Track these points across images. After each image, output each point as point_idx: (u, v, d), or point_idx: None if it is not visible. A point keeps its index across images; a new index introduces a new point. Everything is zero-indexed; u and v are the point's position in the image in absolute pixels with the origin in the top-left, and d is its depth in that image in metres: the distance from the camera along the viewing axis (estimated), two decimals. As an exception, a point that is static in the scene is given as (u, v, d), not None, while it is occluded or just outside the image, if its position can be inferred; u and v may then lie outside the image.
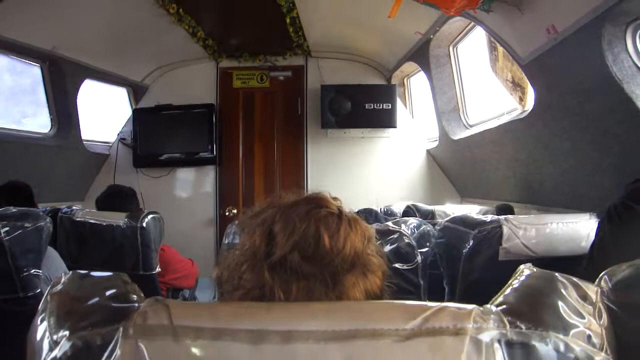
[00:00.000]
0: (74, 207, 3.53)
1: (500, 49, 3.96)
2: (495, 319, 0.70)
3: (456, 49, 5.08)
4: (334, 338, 0.68)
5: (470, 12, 3.42)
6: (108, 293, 0.82)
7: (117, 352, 0.70)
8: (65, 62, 4.91)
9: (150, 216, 3.29)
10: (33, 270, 2.51)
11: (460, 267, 2.44)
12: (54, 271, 2.86)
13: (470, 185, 5.59)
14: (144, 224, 3.24)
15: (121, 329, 0.72)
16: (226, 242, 2.49)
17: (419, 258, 2.12)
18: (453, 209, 4.06)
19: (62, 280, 0.88)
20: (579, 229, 2.46)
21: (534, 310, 0.74)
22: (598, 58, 2.64)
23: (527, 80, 3.64)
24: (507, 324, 0.70)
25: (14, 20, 3.92)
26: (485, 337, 0.68)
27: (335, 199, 1.08)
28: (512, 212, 3.71)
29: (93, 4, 4.31)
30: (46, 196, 4.65)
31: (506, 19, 3.31)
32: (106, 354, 0.71)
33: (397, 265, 2.02)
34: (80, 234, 3.33)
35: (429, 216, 3.84)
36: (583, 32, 2.69)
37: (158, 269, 3.36)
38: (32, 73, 4.96)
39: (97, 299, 0.81)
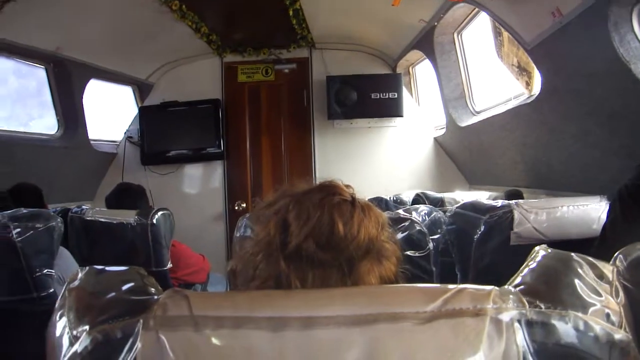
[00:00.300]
0: (83, 207, 3.55)
1: (505, 34, 3.95)
2: (514, 299, 0.70)
3: (461, 35, 5.06)
4: (355, 322, 0.68)
5: (474, -3, 3.41)
6: (126, 287, 0.82)
7: (138, 344, 0.70)
8: (69, 63, 4.92)
9: (160, 213, 3.30)
10: (46, 270, 2.53)
11: (472, 253, 2.44)
12: (67, 271, 2.87)
13: (478, 172, 5.57)
14: (154, 221, 3.25)
15: (141, 321, 0.72)
16: (238, 235, 2.49)
17: (430, 245, 2.12)
18: (462, 196, 4.06)
19: (79, 276, 0.88)
20: (590, 211, 2.45)
21: (551, 290, 0.74)
22: (604, 40, 2.63)
23: (533, 65, 3.62)
24: (526, 303, 0.70)
25: (17, 23, 3.93)
26: (505, 317, 0.68)
27: (347, 186, 1.08)
28: (521, 197, 3.70)
29: (95, 4, 4.31)
30: (56, 197, 4.66)
31: (510, 4, 3.30)
32: (127, 346, 0.71)
33: (409, 252, 2.02)
34: (91, 233, 3.35)
35: (438, 204, 3.84)
36: (588, 14, 2.68)
37: (170, 265, 3.37)
38: (37, 75, 4.97)
39: (115, 292, 0.81)
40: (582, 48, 2.91)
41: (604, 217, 2.33)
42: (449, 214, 2.66)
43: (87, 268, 0.90)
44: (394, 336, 0.66)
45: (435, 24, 4.82)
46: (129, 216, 3.28)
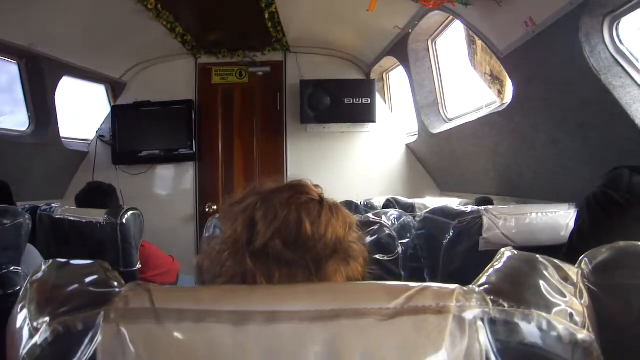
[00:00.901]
0: (53, 205, 3.51)
1: (479, 42, 3.99)
2: (477, 297, 0.70)
3: (435, 43, 5.10)
4: (318, 318, 0.67)
5: (448, 5, 3.43)
6: (88, 279, 0.81)
7: (99, 336, 0.70)
8: (43, 60, 4.86)
9: (130, 212, 3.28)
10: (12, 268, 2.48)
11: (441, 258, 2.45)
12: (34, 268, 2.83)
13: (449, 179, 5.62)
14: (124, 221, 3.23)
15: (102, 313, 0.71)
16: (207, 235, 2.49)
17: (399, 249, 2.13)
18: (433, 202, 4.08)
19: (42, 268, 0.87)
20: (559, 218, 2.48)
21: (516, 290, 0.74)
22: (576, 50, 2.67)
23: (505, 74, 3.66)
24: (489, 302, 0.70)
25: (-10, 17, 3.87)
26: (468, 315, 0.68)
27: (316, 186, 1.08)
28: (491, 204, 3.73)
29: (71, 0, 4.26)
30: (25, 194, 4.61)
31: (484, 13, 3.33)
32: (87, 338, 0.70)
33: (377, 256, 2.02)
34: (59, 232, 3.31)
35: (409, 209, 3.85)
36: (560, 24, 2.72)
37: (139, 266, 3.35)
38: (9, 70, 4.91)
39: (77, 285, 0.80)
40: (553, 58, 2.94)
41: (572, 224, 2.35)
42: (419, 219, 2.67)
43: (51, 261, 0.90)
44: (356, 332, 0.66)
45: (410, 31, 4.86)
46: (98, 215, 3.25)
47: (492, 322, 0.69)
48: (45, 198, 5.05)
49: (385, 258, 2.07)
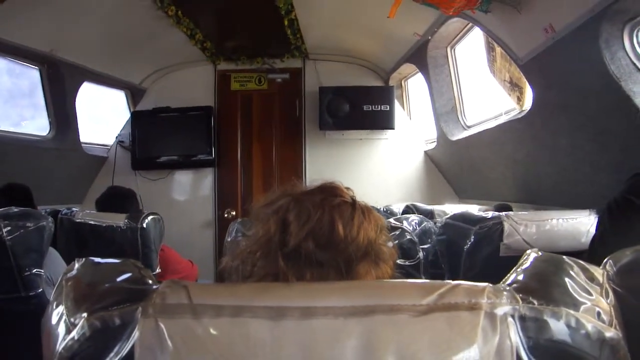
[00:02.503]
0: (73, 209, 3.54)
1: (498, 49, 3.98)
2: (507, 295, 0.71)
3: (454, 50, 5.09)
4: (353, 313, 0.68)
5: (468, 12, 3.44)
6: (123, 277, 0.83)
7: (136, 332, 0.70)
8: (63, 65, 4.91)
9: (150, 217, 3.30)
10: (35, 270, 2.52)
11: (462, 263, 2.45)
12: (56, 271, 2.87)
13: (468, 186, 5.60)
14: (144, 225, 3.24)
15: (140, 308, 0.72)
16: (229, 239, 2.50)
17: (420, 254, 2.13)
18: (452, 209, 4.07)
19: (75, 266, 0.88)
20: (579, 225, 2.48)
21: (544, 288, 0.75)
22: (596, 57, 2.66)
23: (525, 80, 3.65)
24: (519, 300, 0.71)
25: (13, 22, 3.93)
26: (499, 311, 0.69)
27: (347, 188, 1.09)
28: (510, 211, 3.72)
29: (91, 6, 4.30)
30: (45, 199, 4.62)
31: (504, 19, 3.33)
32: (125, 334, 0.71)
33: (399, 261, 2.03)
34: (80, 235, 3.33)
35: (428, 216, 3.85)
36: (581, 31, 2.71)
37: (158, 270, 3.36)
38: (30, 75, 4.96)
39: (112, 282, 0.81)
40: (573, 64, 2.94)
41: (592, 230, 2.35)
42: (440, 224, 2.67)
43: (84, 259, 0.90)
44: (390, 327, 0.67)
45: (429, 37, 4.86)
46: (118, 219, 3.27)
47: (522, 319, 0.69)
48: (64, 202, 5.09)
49: (407, 263, 2.08)
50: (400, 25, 4.67)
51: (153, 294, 0.74)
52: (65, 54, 4.79)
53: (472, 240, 2.43)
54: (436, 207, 4.22)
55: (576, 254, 2.16)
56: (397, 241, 2.07)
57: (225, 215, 6.48)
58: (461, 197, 5.91)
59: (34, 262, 2.51)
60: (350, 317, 0.68)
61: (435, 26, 4.56)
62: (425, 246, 2.32)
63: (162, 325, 0.70)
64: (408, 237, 2.11)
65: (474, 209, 3.85)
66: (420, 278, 2.11)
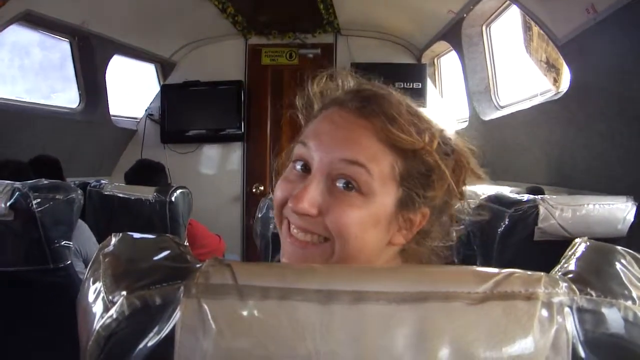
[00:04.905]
0: (102, 181, 3.57)
1: (536, 28, 3.91)
2: (564, 285, 0.69)
3: (489, 28, 5.02)
4: (405, 300, 0.66)
5: (507, -10, 3.39)
6: (163, 254, 0.79)
7: (178, 312, 0.67)
8: (94, 38, 4.94)
9: (179, 191, 3.32)
10: (64, 242, 2.54)
11: (495, 246, 2.43)
12: (84, 244, 2.90)
13: (499, 167, 5.54)
14: (173, 199, 3.27)
15: (182, 288, 0.68)
16: (260, 215, 2.50)
17: (453, 234, 2.11)
18: (483, 189, 4.04)
19: (113, 241, 0.85)
20: (616, 211, 2.43)
21: (600, 279, 0.73)
22: (638, 39, 2.60)
23: (562, 61, 3.59)
24: (576, 290, 0.69)
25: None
26: (556, 302, 0.67)
27: None
28: (542, 194, 3.67)
29: (124, -21, 4.30)
30: (74, 171, 4.69)
31: (544, -2, 3.27)
32: (166, 314, 0.68)
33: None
34: (108, 208, 3.37)
35: (459, 196, 3.81)
36: (624, 12, 2.64)
37: (186, 244, 3.38)
38: (61, 48, 5.00)
39: (153, 258, 0.78)
40: (615, 46, 2.87)
41: (629, 217, 2.32)
42: (474, 205, 2.65)
43: (121, 234, 0.87)
44: (445, 315, 0.66)
45: (465, 15, 4.78)
46: (147, 192, 3.30)
47: (579, 311, 0.67)
48: (93, 175, 5.16)
49: (440, 244, 2.06)
50: (434, 2, 4.62)
51: (196, 273, 0.71)
52: (96, 26, 4.80)
53: (506, 222, 2.40)
54: (467, 188, 4.18)
55: (612, 240, 2.14)
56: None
57: (254, 191, 6.49)
58: (492, 178, 5.85)
59: (62, 234, 2.53)
60: (403, 304, 0.66)
61: (471, 4, 4.49)
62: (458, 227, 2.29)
63: (205, 306, 0.67)
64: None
65: (505, 191, 3.81)
66: (453, 260, 2.09)
